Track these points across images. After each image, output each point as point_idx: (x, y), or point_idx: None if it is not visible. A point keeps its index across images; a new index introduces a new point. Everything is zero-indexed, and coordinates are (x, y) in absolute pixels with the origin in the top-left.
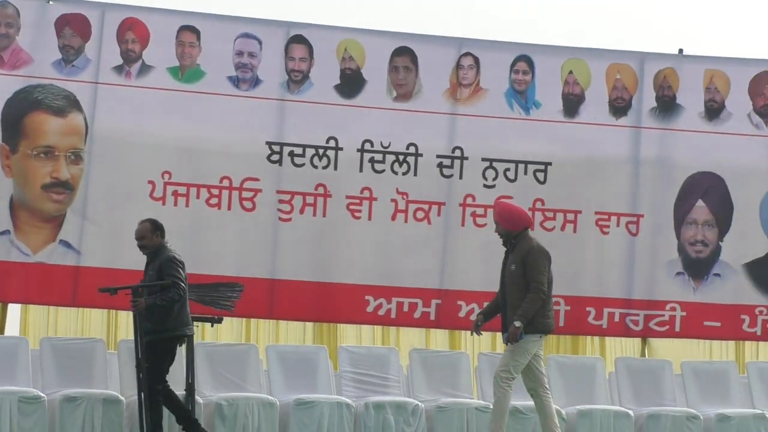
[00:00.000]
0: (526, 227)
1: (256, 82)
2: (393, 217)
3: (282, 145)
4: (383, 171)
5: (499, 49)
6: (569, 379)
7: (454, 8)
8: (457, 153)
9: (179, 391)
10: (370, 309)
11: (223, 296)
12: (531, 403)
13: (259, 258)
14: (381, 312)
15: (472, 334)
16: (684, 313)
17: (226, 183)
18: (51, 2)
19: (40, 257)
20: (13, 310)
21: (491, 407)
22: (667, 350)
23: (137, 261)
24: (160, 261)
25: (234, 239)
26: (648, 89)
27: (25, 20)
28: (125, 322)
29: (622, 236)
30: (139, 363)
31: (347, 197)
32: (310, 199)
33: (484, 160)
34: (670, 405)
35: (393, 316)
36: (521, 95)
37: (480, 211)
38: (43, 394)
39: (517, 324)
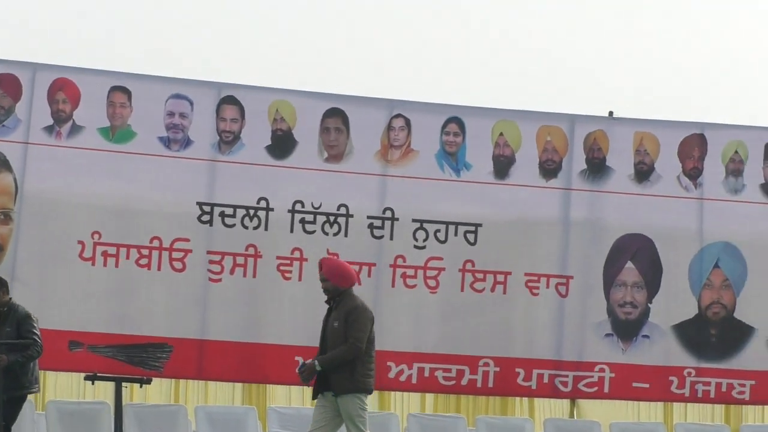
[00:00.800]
0: (352, 285)
1: (187, 142)
2: None
3: (213, 205)
4: (314, 232)
5: (430, 111)
6: None
7: (386, 69)
8: (388, 214)
9: None
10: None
11: (152, 356)
12: None
13: (189, 318)
14: None
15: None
16: (613, 374)
17: (156, 243)
18: None
19: None
20: None
21: None
22: (596, 411)
23: (65, 321)
24: (17, 318)
25: (164, 299)
26: (578, 151)
27: None
28: None
29: (551, 297)
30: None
31: (278, 258)
32: (240, 260)
33: (414, 221)
34: None
35: None
36: (452, 157)
37: (410, 272)
38: None
39: (318, 367)
